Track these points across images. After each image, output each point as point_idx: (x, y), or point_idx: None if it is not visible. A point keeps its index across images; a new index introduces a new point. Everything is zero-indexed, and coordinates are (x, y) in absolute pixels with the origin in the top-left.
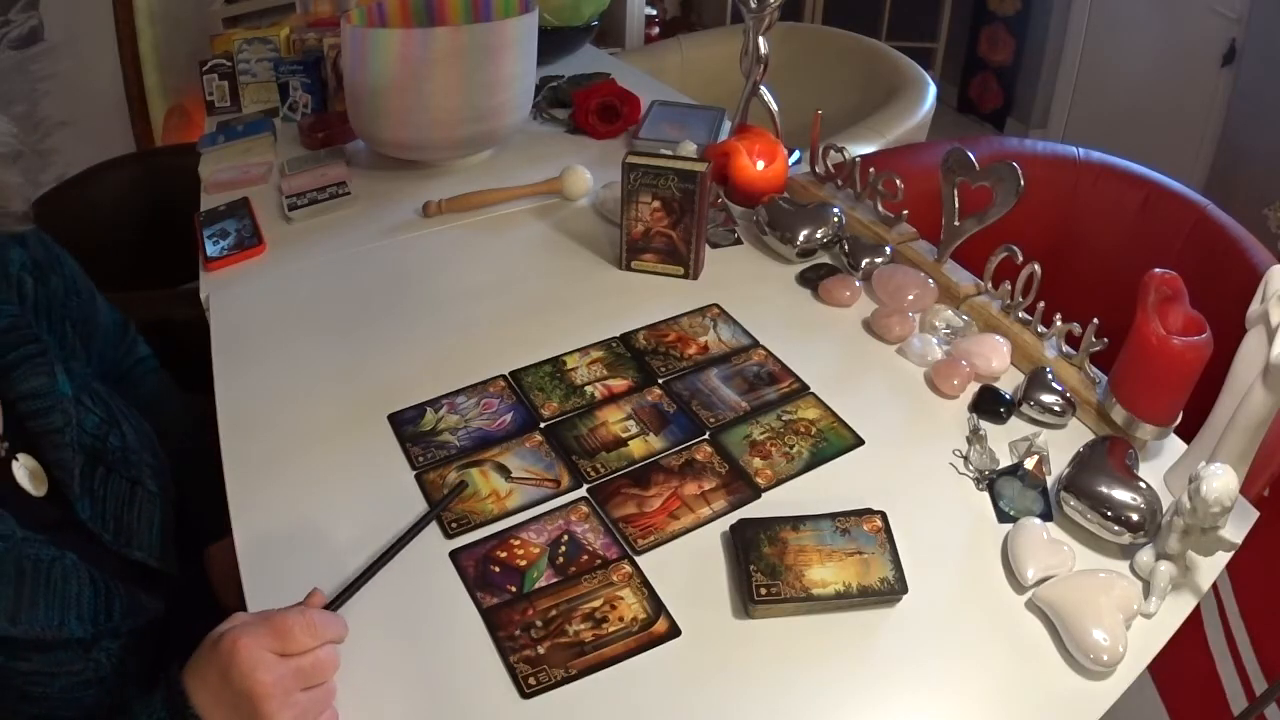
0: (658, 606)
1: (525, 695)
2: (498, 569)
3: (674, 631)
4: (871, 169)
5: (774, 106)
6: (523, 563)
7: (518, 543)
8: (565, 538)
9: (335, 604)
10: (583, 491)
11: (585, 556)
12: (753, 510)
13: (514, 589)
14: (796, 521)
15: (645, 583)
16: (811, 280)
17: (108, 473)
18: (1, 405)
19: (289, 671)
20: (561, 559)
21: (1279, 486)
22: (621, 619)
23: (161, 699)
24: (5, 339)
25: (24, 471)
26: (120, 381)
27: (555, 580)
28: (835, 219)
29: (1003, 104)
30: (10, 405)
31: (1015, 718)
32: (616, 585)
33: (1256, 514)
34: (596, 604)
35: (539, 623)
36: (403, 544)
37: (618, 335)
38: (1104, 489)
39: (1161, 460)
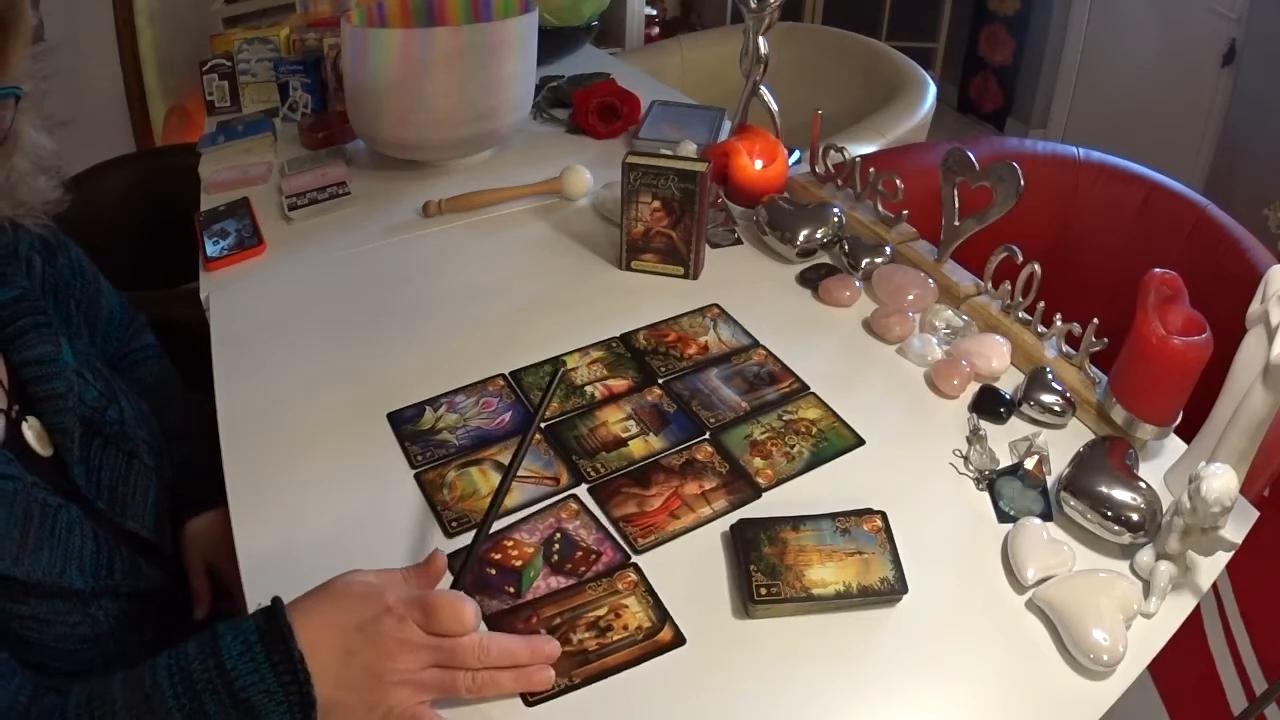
0: (663, 615)
1: (528, 704)
2: (494, 571)
3: (679, 640)
4: (871, 169)
5: (774, 106)
6: (518, 562)
7: (511, 543)
8: (557, 535)
9: (458, 580)
10: (581, 489)
11: (580, 552)
12: (753, 510)
13: (512, 589)
14: (797, 521)
15: (650, 590)
16: (811, 280)
17: (104, 444)
18: (8, 370)
19: (429, 645)
20: (556, 556)
21: (1279, 486)
22: (626, 627)
23: (254, 626)
24: (14, 308)
25: (31, 433)
26: (122, 363)
27: (560, 587)
28: (835, 219)
29: (1003, 104)
30: (16, 369)
31: (1015, 717)
32: (622, 593)
33: (1256, 514)
34: (601, 612)
35: (543, 631)
36: (508, 481)
37: (618, 335)
38: (1104, 489)
39: (1161, 460)
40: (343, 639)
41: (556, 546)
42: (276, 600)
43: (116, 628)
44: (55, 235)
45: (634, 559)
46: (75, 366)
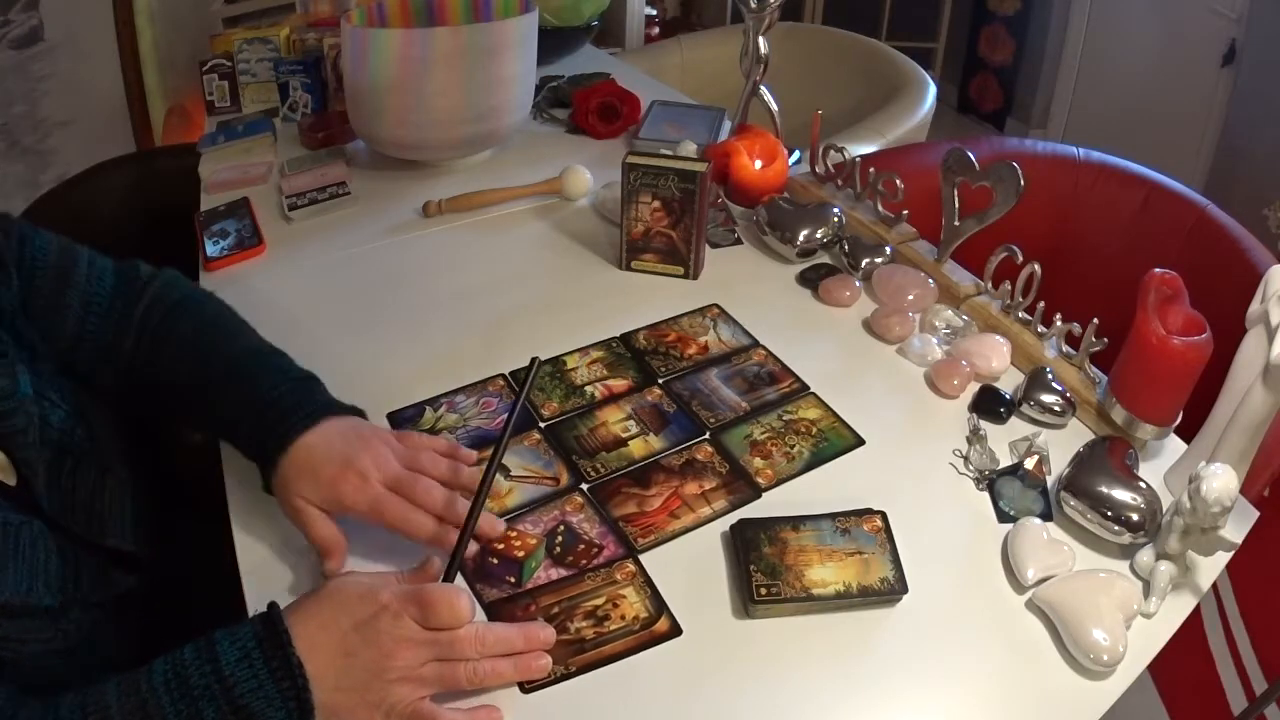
0: (659, 606)
1: (525, 691)
2: (495, 560)
3: (675, 631)
4: (871, 169)
5: (774, 106)
6: (520, 553)
7: (514, 534)
8: (561, 527)
9: (448, 575)
10: (581, 489)
11: (582, 545)
12: (753, 510)
13: (513, 579)
14: (797, 521)
15: (648, 582)
16: (811, 280)
17: (76, 464)
18: None
19: (427, 640)
20: (559, 548)
21: (1279, 486)
22: (624, 617)
23: (252, 631)
24: None
25: None
26: (145, 338)
27: (559, 577)
28: (835, 219)
29: (1003, 104)
30: None
31: (1015, 717)
32: (620, 584)
33: (1256, 514)
34: (599, 602)
35: (540, 619)
36: (488, 482)
37: (618, 335)
38: (1104, 489)
39: (1161, 460)
40: (341, 641)
41: (559, 539)
42: (273, 605)
43: (91, 638)
44: (7, 246)
45: (633, 554)
46: (35, 395)
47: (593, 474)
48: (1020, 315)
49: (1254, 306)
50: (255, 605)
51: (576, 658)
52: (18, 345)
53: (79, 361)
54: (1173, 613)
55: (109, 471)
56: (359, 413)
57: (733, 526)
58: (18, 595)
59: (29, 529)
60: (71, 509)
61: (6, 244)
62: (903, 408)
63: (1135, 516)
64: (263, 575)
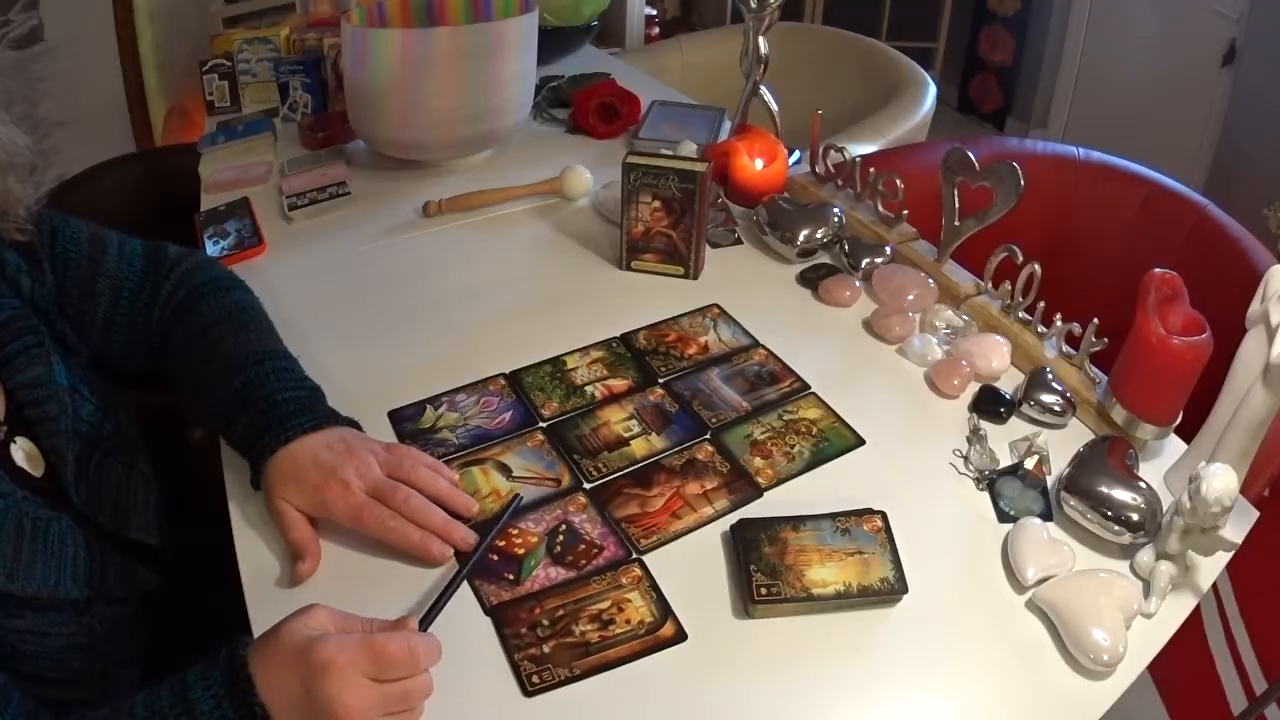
0: (665, 610)
1: (528, 693)
2: (496, 557)
3: (680, 636)
4: (871, 169)
5: (774, 106)
6: (520, 551)
7: (516, 532)
8: (563, 527)
9: (424, 623)
10: (585, 489)
11: (583, 545)
12: (754, 510)
13: (511, 576)
14: (797, 521)
15: (654, 586)
16: (811, 280)
17: (104, 457)
18: (5, 393)
19: (377, 697)
20: (559, 548)
21: (1279, 486)
22: (629, 621)
23: (223, 678)
24: (5, 331)
25: (21, 454)
26: (162, 324)
27: (562, 579)
28: (835, 219)
29: (1003, 104)
30: (10, 393)
31: (1015, 718)
32: (626, 588)
33: (1256, 514)
34: (604, 605)
35: (545, 622)
36: (483, 548)
37: (618, 335)
38: (1104, 489)
39: (1161, 460)
40: (302, 707)
41: (560, 538)
42: (239, 654)
43: (112, 633)
44: (41, 241)
45: (636, 555)
46: (69, 386)
47: (594, 473)
48: (1020, 315)
49: (1254, 306)
50: (256, 609)
51: (580, 661)
52: (51, 338)
53: (111, 347)
54: (1173, 613)
55: (134, 467)
56: (355, 425)
57: (733, 526)
58: (45, 588)
59: (58, 524)
60: (98, 500)
61: (40, 240)
62: (903, 408)
63: (1135, 516)
64: (264, 579)
